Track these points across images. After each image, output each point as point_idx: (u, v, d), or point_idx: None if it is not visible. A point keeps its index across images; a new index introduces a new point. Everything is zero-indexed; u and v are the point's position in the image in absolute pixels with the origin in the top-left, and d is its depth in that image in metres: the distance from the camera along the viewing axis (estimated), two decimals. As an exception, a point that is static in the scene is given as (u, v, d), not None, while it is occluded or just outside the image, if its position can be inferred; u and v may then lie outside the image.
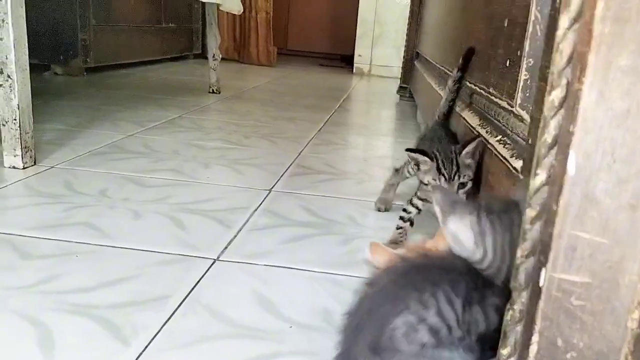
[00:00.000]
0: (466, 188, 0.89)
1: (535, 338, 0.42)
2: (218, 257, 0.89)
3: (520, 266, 0.45)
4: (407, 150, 0.94)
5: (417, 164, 0.93)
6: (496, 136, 0.83)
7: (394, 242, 1.00)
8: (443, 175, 0.88)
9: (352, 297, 0.53)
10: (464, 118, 1.08)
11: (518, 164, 0.68)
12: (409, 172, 1.16)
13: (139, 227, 0.98)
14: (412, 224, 1.02)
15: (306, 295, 0.79)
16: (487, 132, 0.89)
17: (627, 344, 0.37)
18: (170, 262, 0.86)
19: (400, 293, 0.49)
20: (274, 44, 4.42)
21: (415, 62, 2.72)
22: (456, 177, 0.88)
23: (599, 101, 0.37)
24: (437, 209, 0.51)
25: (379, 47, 4.37)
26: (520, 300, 0.45)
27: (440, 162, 0.89)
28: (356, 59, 4.44)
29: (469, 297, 0.50)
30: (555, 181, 0.41)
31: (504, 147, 0.77)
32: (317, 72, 4.37)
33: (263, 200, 1.18)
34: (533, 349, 0.42)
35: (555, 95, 0.41)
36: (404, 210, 1.02)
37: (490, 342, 0.52)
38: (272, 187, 1.27)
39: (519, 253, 0.45)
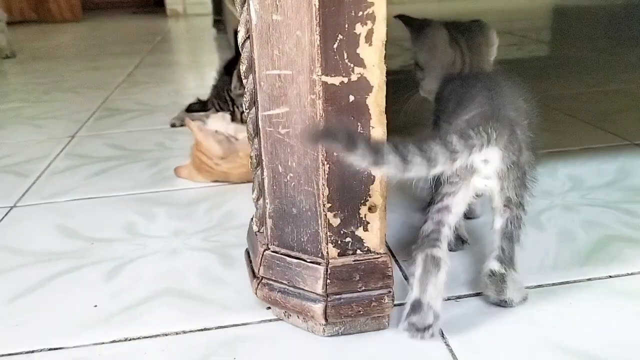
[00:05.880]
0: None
1: (266, 172, 0.49)
2: (15, 204, 0.86)
3: (248, 118, 0.51)
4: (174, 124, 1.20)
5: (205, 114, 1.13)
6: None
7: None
8: (224, 108, 1.11)
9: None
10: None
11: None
12: (216, 107, 1.22)
13: None
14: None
15: (110, 216, 0.81)
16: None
17: (321, 150, 0.45)
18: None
19: None
20: (76, -5, 4.04)
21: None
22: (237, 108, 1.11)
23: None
24: None
25: (188, -16, 4.20)
26: (254, 147, 0.52)
27: (217, 105, 1.14)
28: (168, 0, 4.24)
29: None
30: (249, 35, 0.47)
31: None
32: (129, 19, 4.11)
33: (65, 147, 1.14)
34: (265, 182, 0.49)
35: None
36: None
37: None
38: (75, 134, 1.23)
39: (244, 108, 0.51)
